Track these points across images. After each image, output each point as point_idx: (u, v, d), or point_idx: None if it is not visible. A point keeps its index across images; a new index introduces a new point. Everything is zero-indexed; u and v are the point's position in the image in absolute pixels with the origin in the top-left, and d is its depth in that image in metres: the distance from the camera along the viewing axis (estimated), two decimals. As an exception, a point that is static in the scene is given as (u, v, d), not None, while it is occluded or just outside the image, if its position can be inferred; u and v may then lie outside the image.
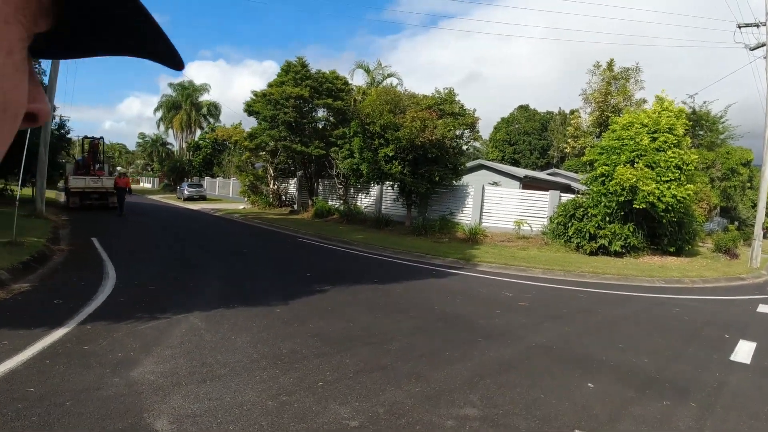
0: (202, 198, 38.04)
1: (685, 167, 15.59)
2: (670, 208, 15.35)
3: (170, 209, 29.35)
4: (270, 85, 24.17)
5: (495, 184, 22.71)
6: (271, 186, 29.92)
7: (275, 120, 23.21)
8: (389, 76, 25.28)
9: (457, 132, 17.62)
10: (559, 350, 5.67)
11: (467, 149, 20.38)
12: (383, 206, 22.09)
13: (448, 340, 5.80)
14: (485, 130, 55.56)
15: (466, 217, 18.84)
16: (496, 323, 6.75)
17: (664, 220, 15.80)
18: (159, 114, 56.55)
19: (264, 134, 24.13)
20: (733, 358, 5.83)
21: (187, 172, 50.46)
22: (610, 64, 20.53)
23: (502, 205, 18.73)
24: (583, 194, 17.24)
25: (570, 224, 15.88)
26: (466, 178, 29.24)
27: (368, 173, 18.54)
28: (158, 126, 57.72)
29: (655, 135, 15.75)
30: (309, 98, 23.20)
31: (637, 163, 15.39)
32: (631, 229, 15.62)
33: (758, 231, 19.08)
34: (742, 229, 30.52)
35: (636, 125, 16.17)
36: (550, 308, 8.10)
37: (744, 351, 6.09)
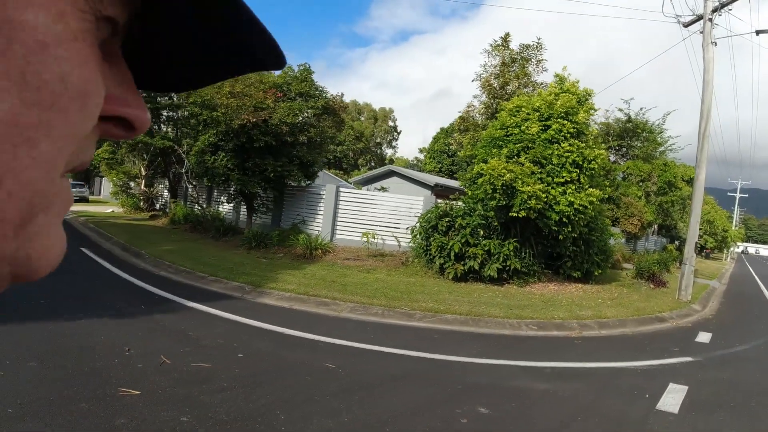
0: (84, 199, 32.82)
1: (586, 165, 11.65)
2: (565, 219, 11.34)
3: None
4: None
5: (382, 189, 18.50)
6: (142, 187, 25.14)
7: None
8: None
9: (306, 115, 13.28)
10: None
11: (329, 141, 16.09)
12: (241, 211, 17.61)
13: None
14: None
15: (319, 226, 14.44)
16: None
17: (562, 236, 11.82)
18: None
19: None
20: None
21: (91, 171, 45.26)
22: (506, 39, 16.44)
23: (364, 213, 14.34)
24: (452, 199, 13.04)
25: (432, 239, 11.66)
26: (374, 185, 25.21)
27: (194, 169, 14.09)
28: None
29: (548, 122, 11.82)
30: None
31: (519, 157, 11.39)
32: (512, 247, 11.50)
33: (689, 252, 15.45)
34: (682, 250, 27.22)
35: (525, 110, 12.20)
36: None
37: None
